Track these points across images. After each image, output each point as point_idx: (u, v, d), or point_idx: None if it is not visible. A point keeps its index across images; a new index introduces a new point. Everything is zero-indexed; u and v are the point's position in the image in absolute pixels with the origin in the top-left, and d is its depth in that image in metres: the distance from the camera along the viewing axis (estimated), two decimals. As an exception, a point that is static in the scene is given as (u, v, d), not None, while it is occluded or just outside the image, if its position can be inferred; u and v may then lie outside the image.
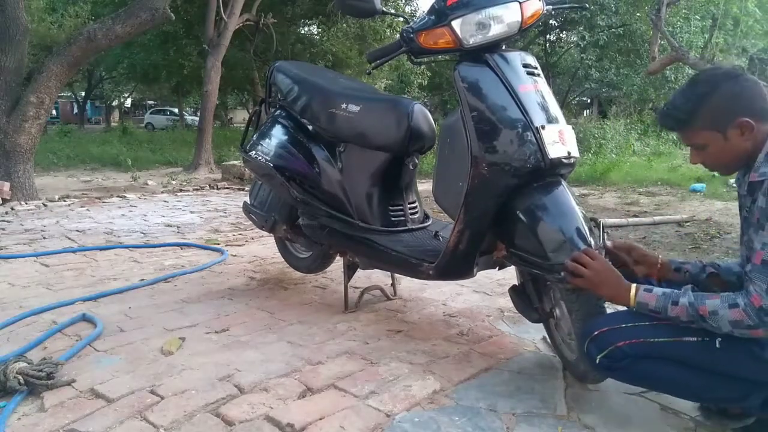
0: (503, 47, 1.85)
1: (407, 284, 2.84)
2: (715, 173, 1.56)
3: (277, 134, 2.54)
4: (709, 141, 1.38)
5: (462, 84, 1.79)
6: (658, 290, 1.39)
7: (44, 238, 4.13)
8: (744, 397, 1.38)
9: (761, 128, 1.34)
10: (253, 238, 4.12)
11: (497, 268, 2.07)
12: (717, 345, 1.31)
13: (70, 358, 1.96)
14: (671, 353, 1.38)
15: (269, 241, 3.65)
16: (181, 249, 3.79)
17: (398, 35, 1.94)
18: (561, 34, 21.93)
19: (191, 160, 10.07)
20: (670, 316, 1.35)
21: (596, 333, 1.45)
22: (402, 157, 2.30)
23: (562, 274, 1.53)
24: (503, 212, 1.76)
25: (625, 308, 1.48)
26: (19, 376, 1.70)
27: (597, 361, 1.44)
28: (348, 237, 2.31)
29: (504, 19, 1.75)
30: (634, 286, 1.43)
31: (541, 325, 1.96)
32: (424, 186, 4.19)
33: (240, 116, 33.95)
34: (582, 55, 17.79)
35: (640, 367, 1.42)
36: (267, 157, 2.49)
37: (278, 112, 2.63)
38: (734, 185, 1.59)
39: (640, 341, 1.38)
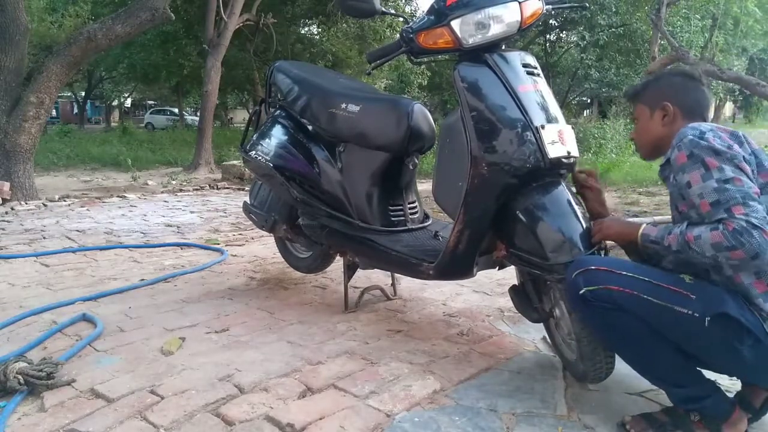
0: (503, 47, 1.85)
1: (407, 284, 2.84)
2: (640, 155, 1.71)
3: (277, 134, 2.54)
4: (640, 115, 1.60)
5: (462, 84, 1.79)
6: (661, 225, 1.48)
7: (44, 238, 4.13)
8: (681, 384, 1.44)
9: (681, 122, 1.49)
10: (253, 238, 4.12)
11: (497, 268, 2.06)
12: (705, 324, 1.32)
13: (70, 358, 1.97)
14: (655, 317, 1.38)
15: (269, 241, 3.65)
16: (181, 249, 3.80)
17: (398, 35, 1.94)
18: (561, 34, 21.90)
19: (191, 160, 10.07)
20: (665, 246, 1.41)
21: (593, 268, 1.45)
22: (402, 157, 2.30)
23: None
24: (503, 212, 1.76)
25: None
26: (19, 376, 1.70)
27: (580, 292, 1.43)
28: (348, 237, 2.31)
29: (503, 19, 1.75)
30: (642, 224, 1.53)
31: (541, 325, 1.96)
32: (424, 186, 4.19)
33: (240, 116, 33.95)
34: (582, 55, 17.78)
35: (615, 318, 1.42)
36: (267, 157, 2.49)
37: (278, 112, 2.63)
38: None
39: (633, 293, 1.38)
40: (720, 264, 1.34)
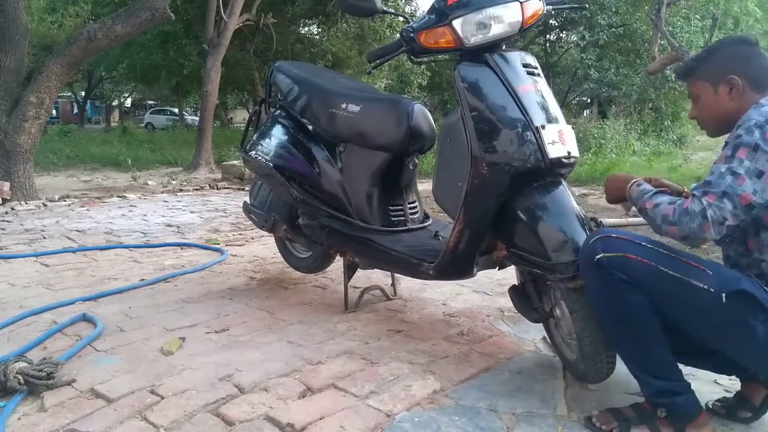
0: (503, 47, 1.85)
1: (407, 284, 2.84)
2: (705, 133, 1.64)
3: (277, 134, 2.54)
4: (701, 92, 1.50)
5: (462, 84, 1.79)
6: (646, 187, 1.48)
7: (44, 238, 4.13)
8: (660, 377, 1.44)
9: (749, 94, 1.43)
10: (253, 238, 4.12)
11: (497, 268, 2.06)
12: (723, 299, 1.32)
13: (70, 358, 1.96)
14: (670, 290, 1.38)
15: (269, 241, 3.65)
16: (181, 249, 3.79)
17: (398, 35, 1.93)
18: (561, 34, 21.89)
19: (191, 160, 10.07)
20: (639, 207, 1.45)
21: (614, 236, 1.45)
22: (402, 157, 2.30)
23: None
24: (503, 212, 1.76)
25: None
26: (19, 376, 1.70)
27: (597, 257, 1.42)
28: (348, 237, 2.31)
29: (504, 19, 1.75)
30: (632, 180, 1.53)
31: (541, 325, 1.96)
32: (424, 186, 4.18)
33: (240, 116, 33.92)
34: (582, 54, 17.76)
35: (623, 292, 1.41)
36: (267, 157, 2.49)
37: (278, 112, 2.63)
38: None
39: (651, 264, 1.38)
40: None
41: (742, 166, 1.31)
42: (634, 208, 1.56)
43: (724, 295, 1.32)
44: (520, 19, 1.76)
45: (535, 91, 1.77)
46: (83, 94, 29.64)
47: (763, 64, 1.45)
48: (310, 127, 2.54)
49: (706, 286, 1.34)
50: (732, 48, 1.49)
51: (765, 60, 1.46)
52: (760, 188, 1.30)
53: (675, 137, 15.54)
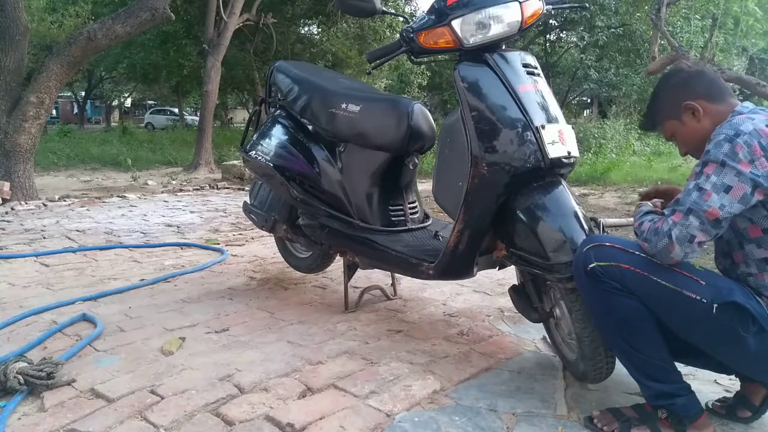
0: (503, 47, 1.85)
1: (407, 284, 2.84)
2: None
3: (277, 134, 2.54)
4: (673, 130, 1.53)
5: (462, 84, 1.79)
6: (644, 207, 1.52)
7: (44, 238, 4.13)
8: (659, 380, 1.44)
9: (712, 108, 1.45)
10: (253, 238, 4.12)
11: (497, 268, 2.06)
12: (713, 310, 1.33)
13: (70, 358, 1.97)
14: (662, 299, 1.38)
15: (269, 241, 3.66)
16: (181, 249, 3.80)
17: (398, 35, 1.94)
18: (561, 34, 21.90)
19: (191, 160, 10.07)
20: (635, 228, 1.47)
21: (607, 244, 1.45)
22: (402, 156, 2.30)
23: None
24: (503, 212, 1.76)
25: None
26: (19, 376, 1.70)
27: (591, 266, 1.43)
28: (348, 237, 2.31)
29: (504, 19, 1.75)
30: (641, 201, 1.60)
31: (541, 325, 1.96)
32: (424, 186, 4.19)
33: (240, 116, 33.93)
34: (582, 55, 17.77)
35: (619, 300, 1.41)
36: (267, 157, 2.49)
37: (278, 112, 2.63)
38: None
39: (644, 274, 1.38)
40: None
41: (709, 181, 1.31)
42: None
43: (715, 306, 1.33)
44: (520, 19, 1.76)
45: (535, 91, 1.77)
46: (83, 94, 29.64)
47: (704, 79, 1.49)
48: (310, 127, 2.54)
49: (698, 297, 1.34)
50: (669, 82, 1.54)
51: (703, 75, 1.51)
52: (727, 202, 1.30)
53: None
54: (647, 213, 1.47)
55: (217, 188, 7.36)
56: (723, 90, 1.48)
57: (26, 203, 5.74)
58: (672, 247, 1.32)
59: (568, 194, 1.74)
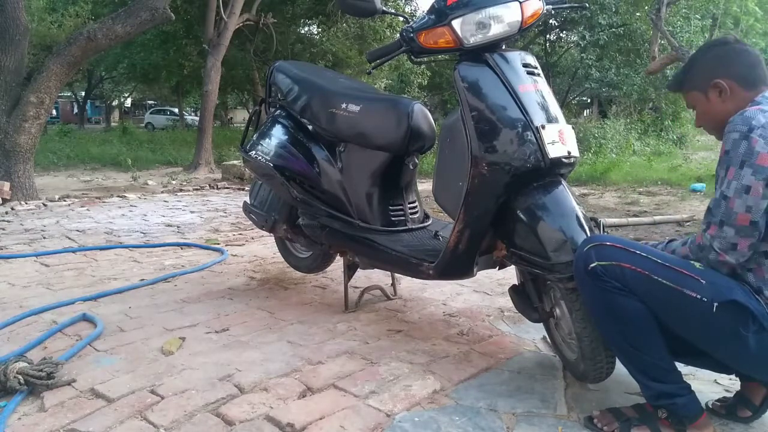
0: (503, 47, 1.85)
1: (407, 284, 2.84)
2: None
3: (277, 134, 2.54)
4: (695, 101, 1.50)
5: (462, 84, 1.79)
6: (677, 244, 1.53)
7: (44, 238, 4.13)
8: (659, 380, 1.44)
9: (740, 93, 1.42)
10: (253, 238, 4.12)
11: (497, 268, 2.06)
12: (713, 309, 1.33)
13: (70, 358, 1.97)
14: (663, 299, 1.39)
15: (269, 241, 3.65)
16: (181, 249, 3.80)
17: (398, 35, 1.93)
18: (561, 34, 21.88)
19: (191, 159, 10.07)
20: (684, 255, 1.47)
21: (608, 244, 1.45)
22: (402, 156, 2.30)
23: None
24: (503, 212, 1.76)
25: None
26: (19, 376, 1.70)
27: (592, 266, 1.43)
28: (348, 237, 2.31)
29: (504, 19, 1.75)
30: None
31: (541, 325, 1.96)
32: (424, 186, 4.19)
33: (240, 116, 33.93)
34: (582, 54, 17.75)
35: (620, 300, 1.41)
36: (267, 157, 2.49)
37: (278, 111, 2.63)
38: None
39: (644, 273, 1.39)
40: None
41: (731, 187, 1.32)
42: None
43: (715, 305, 1.33)
44: (520, 19, 1.76)
45: (535, 90, 1.77)
46: (83, 94, 29.62)
47: (746, 61, 1.43)
48: (310, 127, 2.54)
49: (699, 296, 1.34)
50: (711, 52, 1.48)
51: (747, 56, 1.44)
52: (753, 203, 1.30)
53: (675, 137, 15.53)
54: (670, 241, 1.54)
55: (217, 188, 7.36)
56: (759, 78, 1.42)
57: (26, 203, 5.74)
58: (722, 257, 1.35)
59: (568, 194, 1.74)
